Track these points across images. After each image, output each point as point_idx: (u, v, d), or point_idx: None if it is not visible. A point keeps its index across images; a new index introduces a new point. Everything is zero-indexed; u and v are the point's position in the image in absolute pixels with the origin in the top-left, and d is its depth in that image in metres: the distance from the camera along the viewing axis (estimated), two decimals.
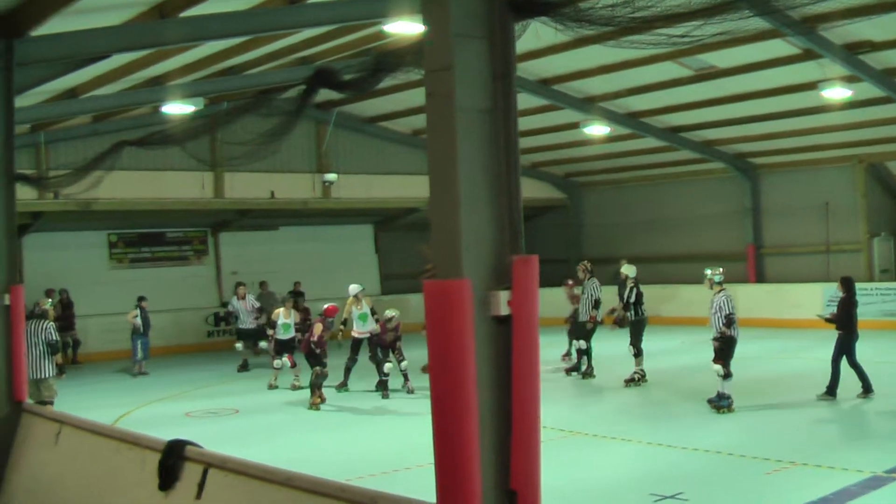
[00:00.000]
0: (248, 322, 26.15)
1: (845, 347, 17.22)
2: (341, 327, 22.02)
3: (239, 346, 25.71)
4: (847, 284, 17.80)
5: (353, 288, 21.60)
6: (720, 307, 16.51)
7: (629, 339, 19.89)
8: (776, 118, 28.47)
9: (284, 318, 22.23)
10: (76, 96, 20.98)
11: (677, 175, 35.70)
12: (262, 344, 25.45)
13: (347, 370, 20.91)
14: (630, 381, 19.63)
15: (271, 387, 21.55)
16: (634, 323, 20.25)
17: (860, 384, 17.07)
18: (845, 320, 17.43)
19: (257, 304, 26.40)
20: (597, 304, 21.35)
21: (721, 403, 16.20)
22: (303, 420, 17.21)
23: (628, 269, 20.87)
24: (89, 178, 13.31)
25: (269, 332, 22.43)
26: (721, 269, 17.16)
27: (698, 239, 35.06)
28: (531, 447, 4.78)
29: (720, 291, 16.79)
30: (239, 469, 7.07)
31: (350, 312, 21.25)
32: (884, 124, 27.87)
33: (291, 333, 22.31)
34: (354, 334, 21.06)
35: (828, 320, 17.47)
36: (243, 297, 26.21)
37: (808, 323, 27.38)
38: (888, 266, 31.99)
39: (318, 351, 19.46)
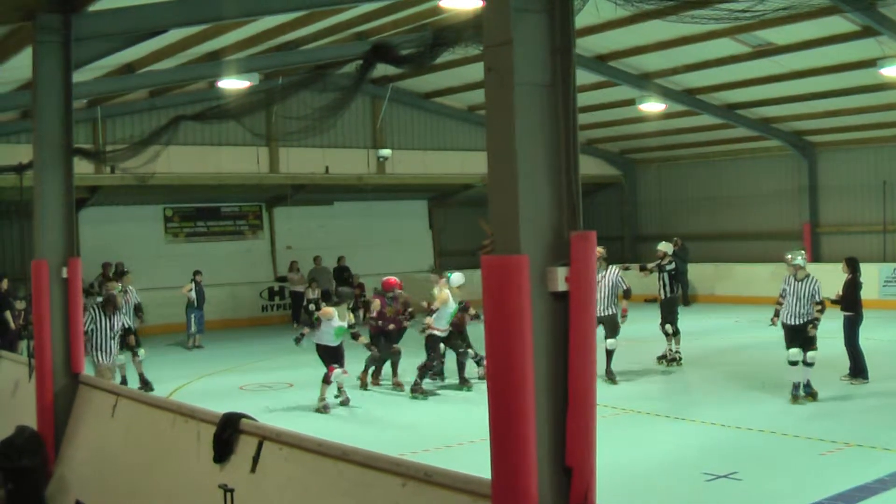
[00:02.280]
0: None
1: (853, 328, 17.09)
2: (426, 307, 18.41)
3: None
4: (852, 265, 17.67)
5: (457, 278, 18.05)
6: (812, 295, 15.84)
7: (661, 319, 19.60)
8: (834, 96, 28.16)
9: (340, 320, 16.57)
10: (133, 71, 21.13)
11: (734, 153, 35.41)
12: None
13: (428, 370, 17.66)
14: (663, 359, 19.44)
15: (322, 409, 16.37)
16: (668, 301, 19.81)
17: (849, 366, 16.95)
18: (851, 301, 17.29)
19: None
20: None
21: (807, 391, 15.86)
22: (357, 396, 17.25)
23: (665, 247, 20.39)
24: (146, 152, 13.36)
25: (305, 329, 16.98)
26: (803, 252, 16.62)
27: (754, 217, 34.79)
28: (587, 424, 4.76)
29: (807, 276, 16.05)
30: (293, 443, 7.10)
31: (446, 304, 17.52)
32: None
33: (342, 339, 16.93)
34: (437, 332, 17.62)
35: (833, 301, 17.18)
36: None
37: (865, 303, 27.22)
38: None
39: (390, 327, 18.28)
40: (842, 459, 12.04)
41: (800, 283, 15.96)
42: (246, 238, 32.93)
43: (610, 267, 18.55)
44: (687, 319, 21.34)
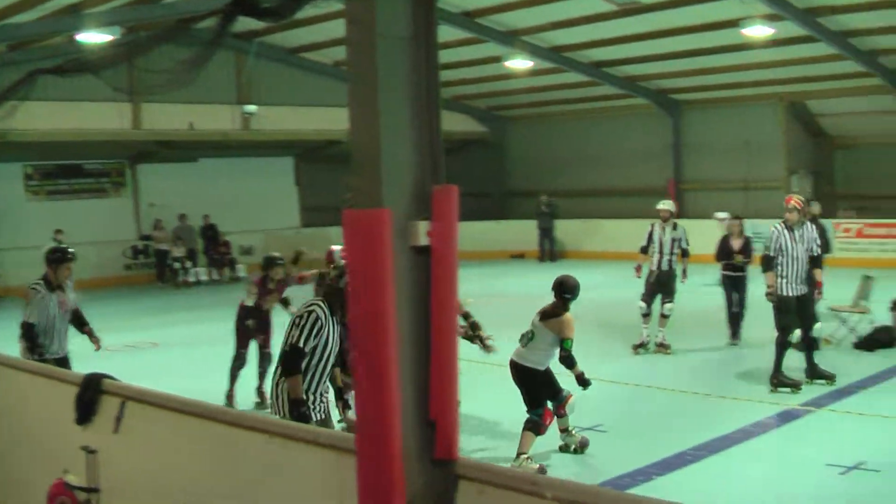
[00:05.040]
0: None
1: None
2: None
3: None
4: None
5: None
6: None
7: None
8: (699, 55, 28.65)
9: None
10: None
11: (601, 110, 35.83)
12: None
13: None
14: None
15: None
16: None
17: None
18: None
19: None
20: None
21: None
22: (224, 355, 17.01)
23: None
24: (3, 107, 13.00)
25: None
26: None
27: (621, 174, 35.30)
28: (449, 378, 4.76)
29: (675, 226, 16.90)
30: (157, 402, 6.99)
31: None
32: (805, 63, 28.15)
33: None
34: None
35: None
36: None
37: None
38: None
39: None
40: (704, 410, 12.31)
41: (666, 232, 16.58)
42: (109, 196, 32.32)
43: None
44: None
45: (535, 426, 10.38)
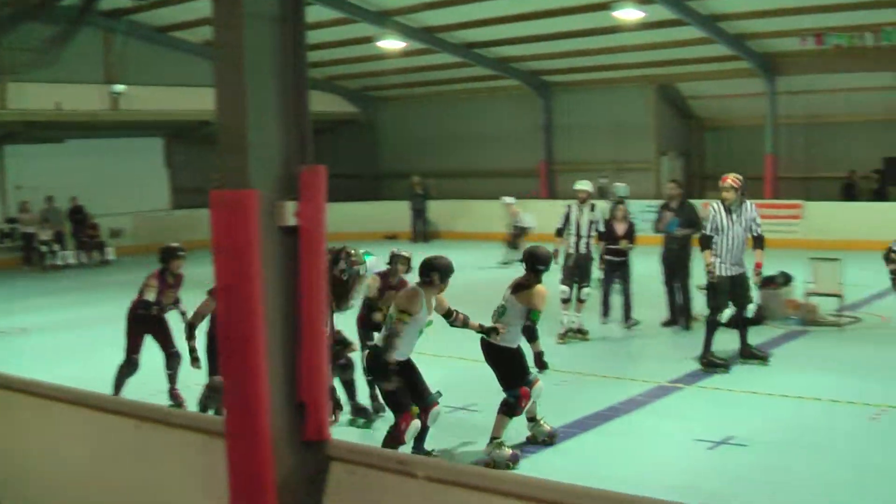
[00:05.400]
0: None
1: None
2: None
3: None
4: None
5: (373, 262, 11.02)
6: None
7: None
8: (570, 37, 28.91)
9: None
10: None
11: (473, 91, 35.96)
12: None
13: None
14: None
15: None
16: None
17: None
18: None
19: None
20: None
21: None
22: (97, 339, 16.70)
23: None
24: None
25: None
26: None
27: (493, 155, 35.48)
28: (318, 359, 4.76)
29: (593, 206, 16.46)
30: (23, 388, 6.87)
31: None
32: (675, 46, 28.60)
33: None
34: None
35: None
36: None
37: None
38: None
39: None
40: (578, 389, 12.45)
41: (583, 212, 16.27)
42: None
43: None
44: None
45: (510, 408, 9.81)
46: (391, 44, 30.47)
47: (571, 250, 16.17)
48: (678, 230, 16.23)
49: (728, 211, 13.24)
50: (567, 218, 16.40)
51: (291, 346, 4.71)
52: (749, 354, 13.63)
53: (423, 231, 33.57)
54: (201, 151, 33.30)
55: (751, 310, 13.72)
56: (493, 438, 9.77)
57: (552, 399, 11.86)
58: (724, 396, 11.95)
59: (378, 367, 9.20)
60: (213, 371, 10.45)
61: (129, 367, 11.81)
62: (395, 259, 11.69)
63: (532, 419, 10.37)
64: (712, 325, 13.31)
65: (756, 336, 15.09)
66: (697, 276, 15.58)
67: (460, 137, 36.32)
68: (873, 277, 16.91)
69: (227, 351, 4.72)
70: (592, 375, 13.21)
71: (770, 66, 29.65)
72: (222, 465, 4.76)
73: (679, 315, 16.42)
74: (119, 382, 11.76)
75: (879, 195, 29.17)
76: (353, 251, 7.72)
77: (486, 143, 35.67)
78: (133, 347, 11.86)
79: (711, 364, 13.25)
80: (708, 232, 13.39)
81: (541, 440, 10.25)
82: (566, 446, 10.06)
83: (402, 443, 9.08)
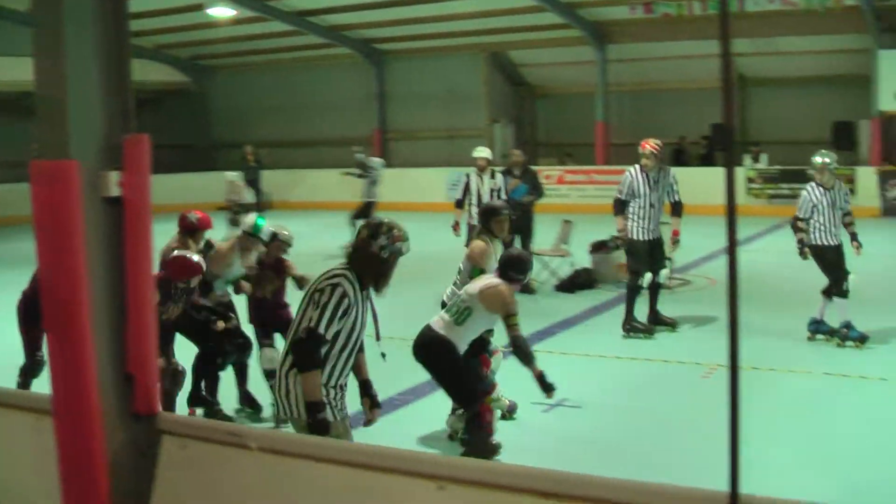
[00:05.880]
0: None
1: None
2: None
3: None
4: None
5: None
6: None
7: None
8: (402, 5, 29.00)
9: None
10: None
11: (306, 60, 35.67)
12: None
13: None
14: None
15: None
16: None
17: None
18: None
19: None
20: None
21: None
22: None
23: None
24: None
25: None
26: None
27: (327, 124, 35.30)
28: (146, 330, 4.69)
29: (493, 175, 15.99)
30: None
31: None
32: (506, 14, 28.86)
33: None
34: None
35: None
36: None
37: (432, 206, 28.24)
38: (508, 152, 33.26)
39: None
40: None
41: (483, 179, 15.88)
42: None
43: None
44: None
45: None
46: (221, 11, 30.02)
47: (473, 221, 15.27)
48: (524, 196, 16.35)
49: (646, 176, 13.18)
50: (467, 187, 15.93)
51: (118, 318, 4.62)
52: (659, 321, 13.61)
53: (256, 201, 33.22)
54: (24, 123, 32.27)
55: (663, 275, 13.70)
56: (454, 409, 9.38)
57: (389, 366, 11.88)
58: (559, 360, 12.08)
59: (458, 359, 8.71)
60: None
61: (34, 368, 10.02)
62: (275, 238, 10.69)
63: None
64: (633, 291, 13.33)
65: (588, 300, 15.37)
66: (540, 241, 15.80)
67: (294, 107, 36.05)
68: (702, 241, 17.29)
69: (52, 327, 4.62)
70: None
71: (600, 34, 30.14)
72: (52, 445, 4.66)
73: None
74: (25, 383, 10.07)
75: (707, 160, 29.93)
76: (395, 226, 6.57)
77: (320, 112, 35.49)
78: (35, 344, 9.99)
79: (634, 329, 13.30)
80: (623, 196, 13.31)
81: (501, 416, 9.61)
82: (401, 413, 10.07)
83: (492, 433, 8.81)
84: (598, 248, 16.99)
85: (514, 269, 8.87)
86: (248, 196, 25.48)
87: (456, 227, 16.16)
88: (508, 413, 9.76)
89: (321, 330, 6.15)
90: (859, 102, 28.23)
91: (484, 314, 8.64)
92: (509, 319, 8.55)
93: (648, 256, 13.27)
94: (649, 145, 13.26)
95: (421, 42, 32.87)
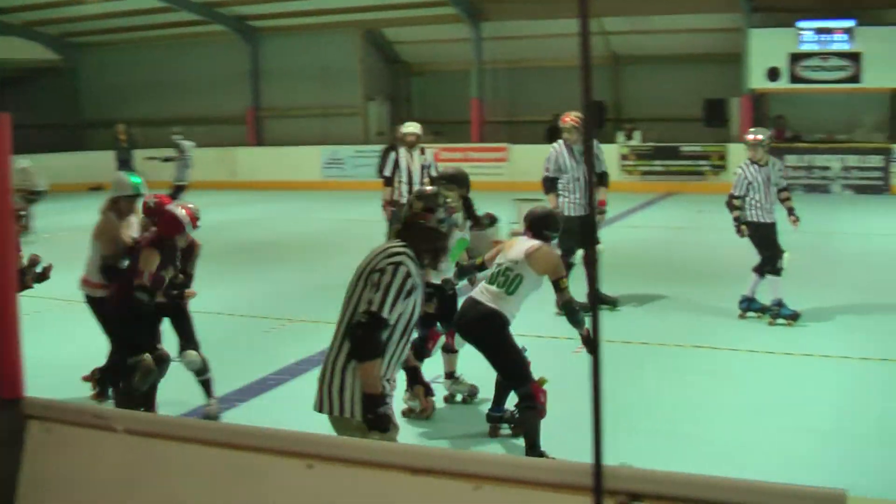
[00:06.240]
0: None
1: None
2: None
3: None
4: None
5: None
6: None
7: None
8: None
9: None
10: None
11: (179, 37, 35.21)
12: None
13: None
14: None
15: None
16: None
17: None
18: None
19: None
20: None
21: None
22: None
23: None
24: None
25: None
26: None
27: (201, 102, 34.91)
28: (8, 315, 4.61)
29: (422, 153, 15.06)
30: None
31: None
32: None
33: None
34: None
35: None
36: None
37: (307, 185, 28.16)
38: (383, 129, 33.32)
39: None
40: (283, 336, 12.43)
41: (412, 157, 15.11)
42: None
43: None
44: None
45: (416, 351, 8.60)
46: None
47: (402, 199, 14.40)
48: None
49: (570, 150, 12.99)
50: (396, 164, 15.02)
51: None
52: (600, 300, 13.11)
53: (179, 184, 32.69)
54: None
55: (599, 250, 13.03)
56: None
57: (264, 346, 11.86)
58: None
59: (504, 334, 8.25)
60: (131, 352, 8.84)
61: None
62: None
63: (450, 375, 9.56)
64: (566, 268, 13.18)
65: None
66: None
67: (167, 84, 35.56)
68: None
69: None
70: (301, 321, 13.17)
71: (475, 11, 30.29)
72: None
73: None
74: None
75: None
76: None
77: (194, 90, 35.09)
78: None
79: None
80: (550, 174, 13.13)
81: (462, 400, 9.49)
82: (276, 393, 10.01)
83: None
84: (473, 224, 17.06)
85: (549, 226, 8.68)
86: (42, 184, 24.95)
87: (386, 205, 15.25)
88: (469, 397, 9.50)
89: (385, 314, 5.53)
90: (730, 80, 28.83)
91: (534, 279, 8.25)
92: (560, 282, 8.24)
93: (580, 233, 12.71)
94: (570, 118, 13.06)
95: (296, 19, 32.66)
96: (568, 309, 8.17)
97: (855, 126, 28.20)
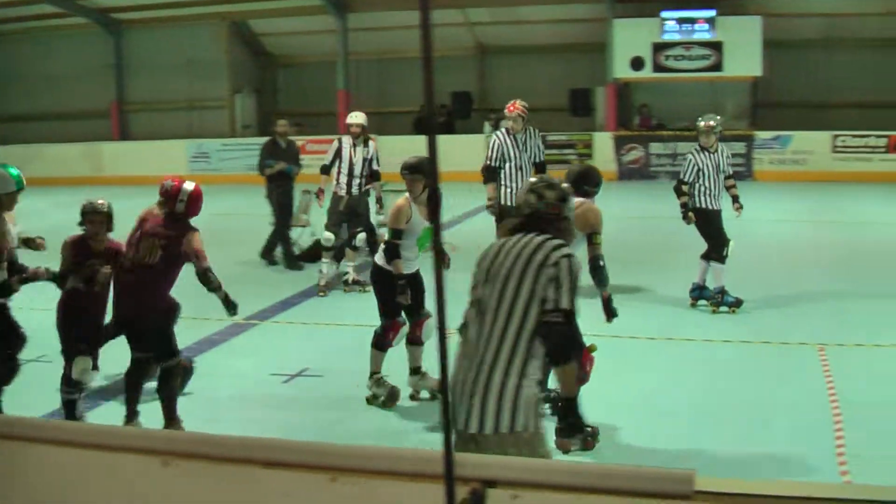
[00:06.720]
0: None
1: None
2: None
3: None
4: None
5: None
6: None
7: None
8: None
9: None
10: None
11: (39, 30, 34.42)
12: None
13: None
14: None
15: None
16: None
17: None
18: None
19: None
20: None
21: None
22: None
23: None
24: None
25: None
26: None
27: (63, 96, 34.18)
28: None
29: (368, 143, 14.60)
30: None
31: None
32: None
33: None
34: None
35: None
36: None
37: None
38: (251, 122, 33.12)
39: None
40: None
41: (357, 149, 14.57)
42: None
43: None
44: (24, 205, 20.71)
45: (377, 341, 9.02)
46: None
47: (343, 192, 14.36)
48: (295, 169, 16.29)
49: (514, 139, 12.95)
50: (339, 153, 14.50)
51: None
52: None
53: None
54: None
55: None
56: (372, 373, 9.17)
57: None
58: (297, 330, 12.17)
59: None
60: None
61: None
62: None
63: (416, 370, 9.33)
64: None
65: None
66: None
67: (26, 79, 34.67)
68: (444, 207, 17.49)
69: None
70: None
71: (341, 3, 30.23)
72: None
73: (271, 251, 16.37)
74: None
75: (448, 128, 30.33)
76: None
77: (55, 85, 34.30)
78: None
79: None
80: (492, 163, 12.99)
81: (429, 397, 9.33)
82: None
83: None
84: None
85: (589, 182, 8.68)
86: None
87: (319, 194, 15.09)
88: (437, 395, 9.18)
89: (575, 309, 5.12)
90: (595, 70, 29.28)
91: (578, 237, 7.89)
92: (595, 238, 8.24)
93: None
94: (515, 107, 13.06)
95: (160, 11, 32.21)
96: (594, 265, 8.21)
97: (718, 114, 28.70)
